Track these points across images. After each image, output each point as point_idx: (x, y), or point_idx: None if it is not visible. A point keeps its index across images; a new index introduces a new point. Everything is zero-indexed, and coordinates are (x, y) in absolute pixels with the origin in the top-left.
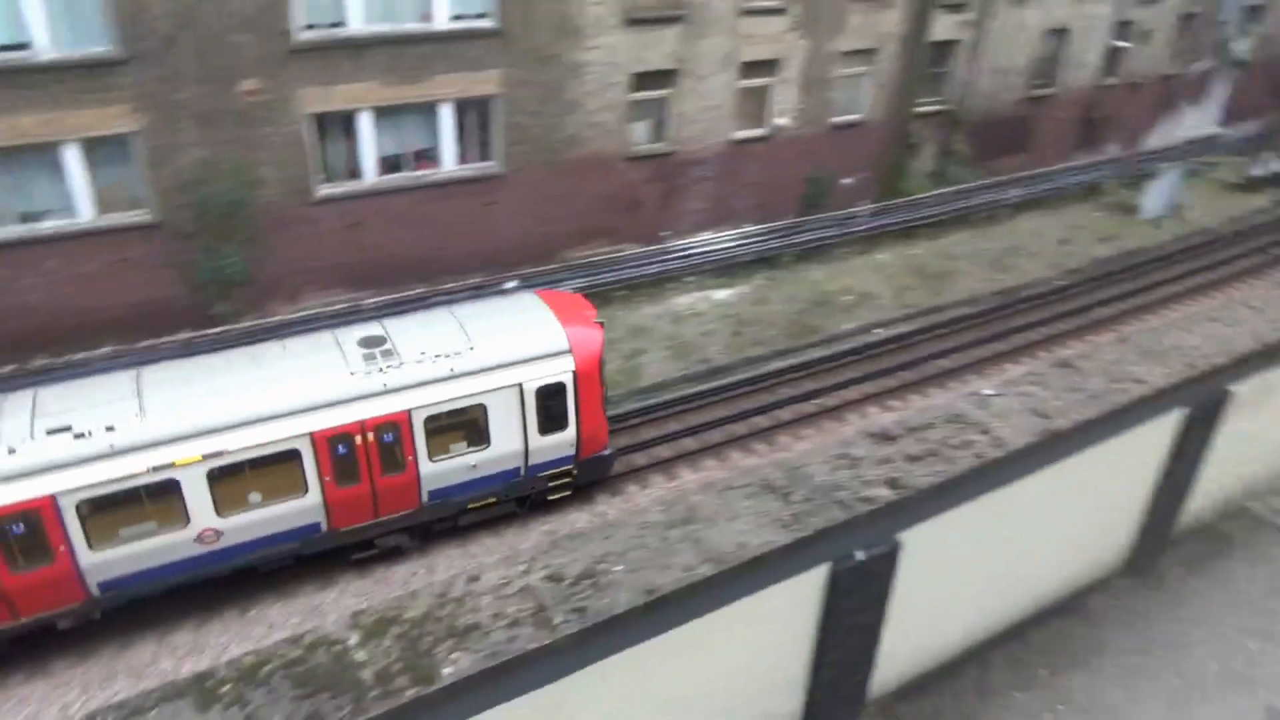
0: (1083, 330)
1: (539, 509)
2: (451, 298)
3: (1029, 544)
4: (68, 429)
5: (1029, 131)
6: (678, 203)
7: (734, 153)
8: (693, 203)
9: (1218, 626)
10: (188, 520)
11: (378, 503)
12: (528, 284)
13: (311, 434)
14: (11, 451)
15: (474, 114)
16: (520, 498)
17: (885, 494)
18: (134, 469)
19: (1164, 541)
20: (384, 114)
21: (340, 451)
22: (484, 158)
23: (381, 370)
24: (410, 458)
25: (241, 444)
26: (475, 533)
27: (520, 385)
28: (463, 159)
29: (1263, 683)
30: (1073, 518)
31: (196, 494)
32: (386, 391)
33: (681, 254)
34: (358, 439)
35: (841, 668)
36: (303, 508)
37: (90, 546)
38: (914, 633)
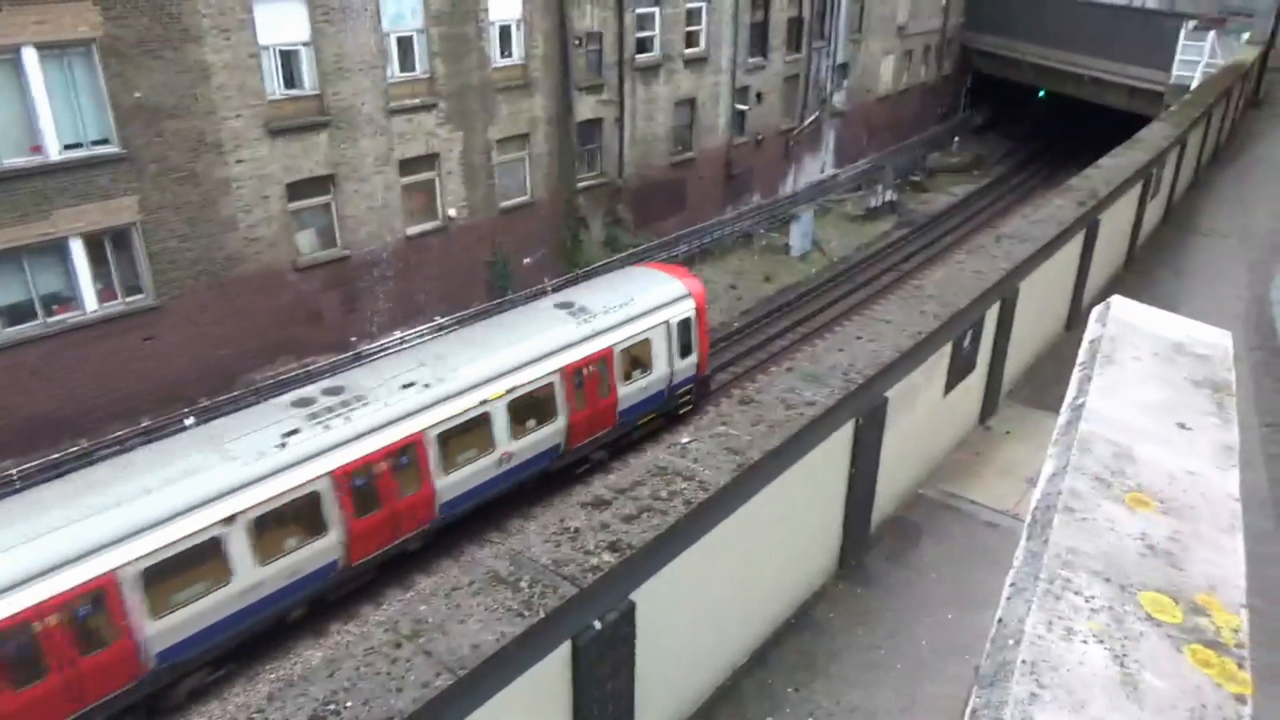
0: (765, 364)
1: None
2: (123, 447)
3: (751, 573)
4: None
5: (682, 193)
6: (361, 306)
7: (411, 248)
8: (377, 303)
9: (922, 607)
10: (494, 446)
11: (594, 424)
12: (207, 415)
13: (563, 369)
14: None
15: (113, 246)
16: (665, 413)
17: (610, 559)
18: (462, 406)
19: (865, 541)
20: None
21: (577, 383)
22: (132, 291)
23: (586, 321)
24: (613, 384)
25: (526, 379)
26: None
27: (667, 322)
28: (107, 296)
29: (967, 647)
30: (783, 538)
31: (501, 422)
32: (595, 335)
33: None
34: (586, 370)
35: None
36: (555, 430)
37: (444, 473)
38: (666, 686)
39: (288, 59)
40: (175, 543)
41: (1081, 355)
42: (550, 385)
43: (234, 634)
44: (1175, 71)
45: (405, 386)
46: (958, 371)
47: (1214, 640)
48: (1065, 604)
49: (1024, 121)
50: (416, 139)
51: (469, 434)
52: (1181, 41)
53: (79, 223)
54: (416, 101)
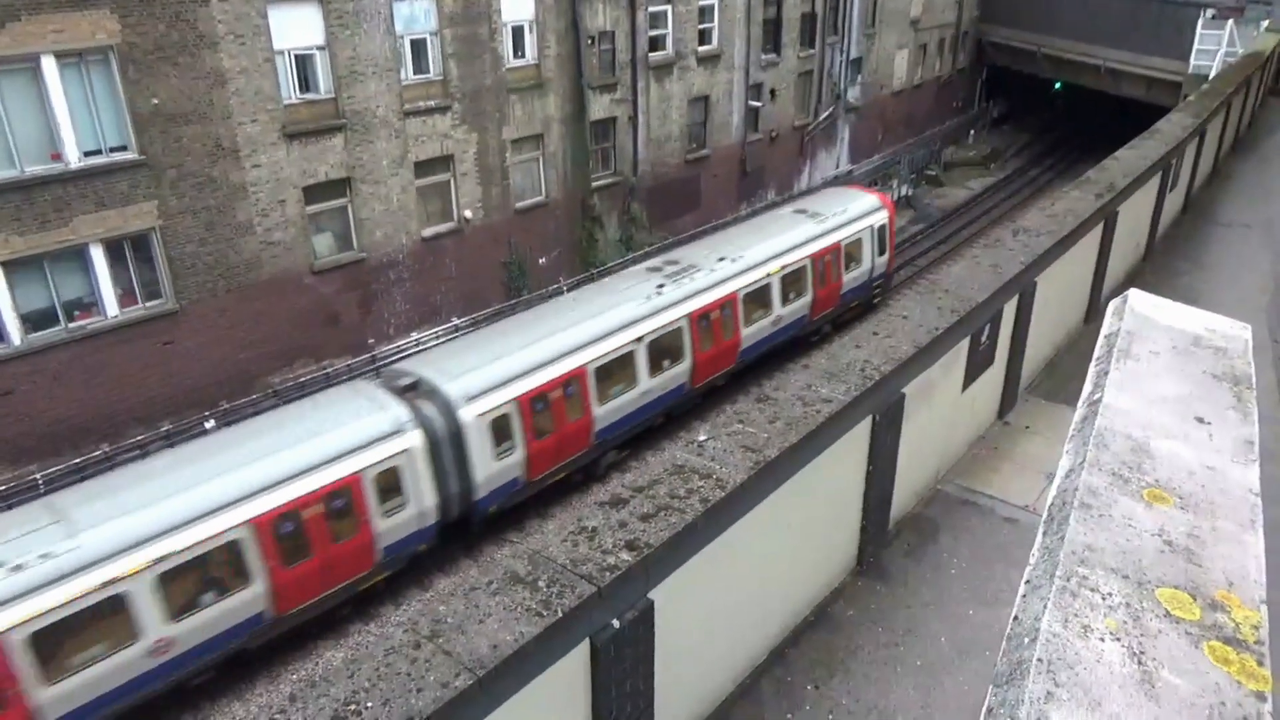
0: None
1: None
2: (142, 451)
3: (769, 570)
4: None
5: (697, 190)
6: (378, 308)
7: (427, 250)
8: (394, 305)
9: (941, 604)
10: (771, 309)
11: (826, 302)
12: (228, 418)
13: (811, 256)
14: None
15: (133, 251)
16: (864, 301)
17: (627, 558)
18: (754, 277)
19: (883, 539)
20: (19, 266)
21: (819, 269)
22: (152, 295)
23: (821, 223)
24: (841, 272)
25: (790, 260)
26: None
27: (871, 226)
28: (127, 301)
29: (987, 643)
30: (801, 536)
31: (776, 292)
32: (828, 233)
33: (390, 360)
34: (824, 259)
35: None
36: (804, 303)
37: (745, 326)
38: (685, 685)
39: (303, 63)
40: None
41: (1098, 349)
42: (804, 268)
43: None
44: (1193, 61)
45: (719, 260)
46: (976, 366)
47: (1233, 637)
48: (1082, 601)
49: (1041, 114)
50: (431, 141)
51: (759, 298)
52: (1199, 31)
53: (99, 229)
54: (431, 104)
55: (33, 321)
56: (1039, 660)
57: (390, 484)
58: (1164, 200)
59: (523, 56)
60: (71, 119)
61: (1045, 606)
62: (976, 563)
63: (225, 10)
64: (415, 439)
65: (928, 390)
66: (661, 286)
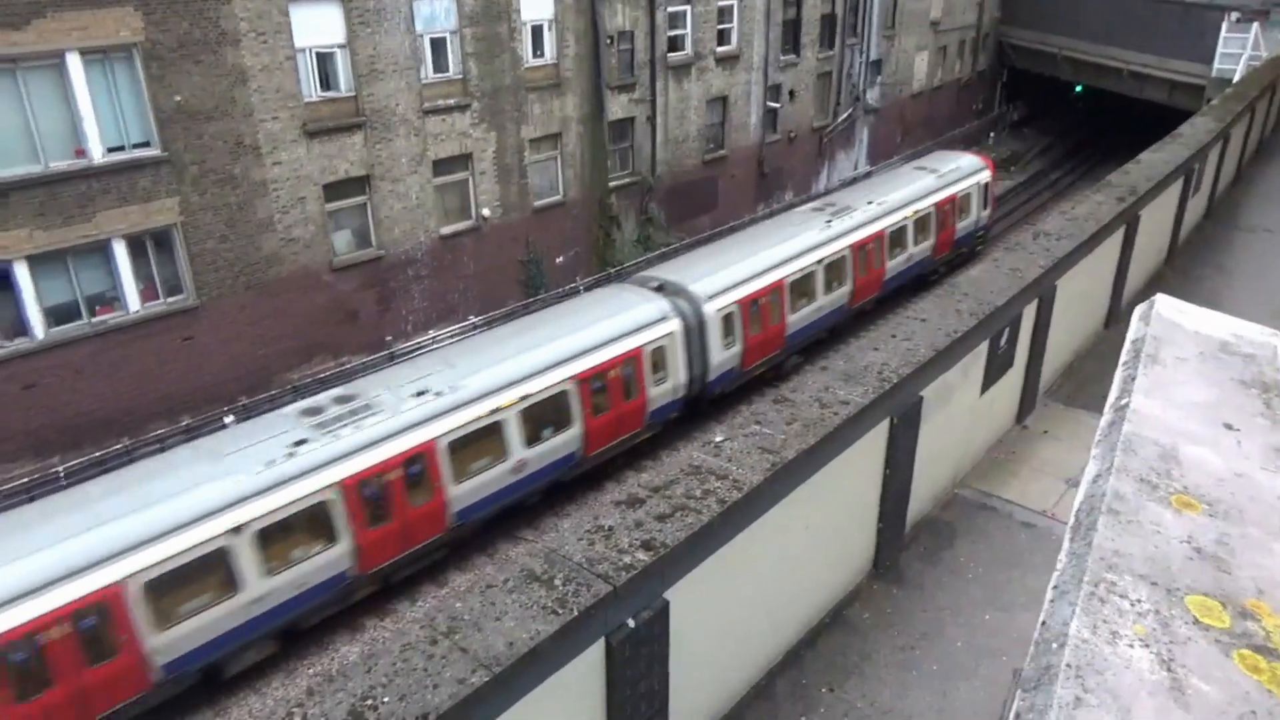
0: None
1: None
2: (163, 446)
3: (785, 572)
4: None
5: (714, 191)
6: (396, 305)
7: (445, 248)
8: (412, 303)
9: (958, 608)
10: (905, 247)
11: (942, 248)
12: (249, 414)
13: (936, 204)
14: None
15: (154, 247)
16: (970, 248)
17: (644, 558)
18: (890, 221)
19: (900, 542)
20: (44, 261)
21: (939, 219)
22: (173, 291)
23: (940, 178)
24: (955, 221)
25: (920, 207)
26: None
27: (977, 182)
28: (149, 296)
29: (1004, 649)
30: (817, 538)
31: (910, 234)
32: (945, 187)
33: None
34: (943, 209)
35: None
36: (928, 245)
37: (791, 312)
38: (700, 685)
39: (324, 61)
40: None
41: (1125, 354)
42: (929, 215)
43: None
44: (1217, 65)
45: (869, 203)
46: (995, 370)
47: (1264, 645)
48: (1110, 607)
49: (1061, 117)
50: (450, 139)
51: (898, 237)
52: (1224, 34)
53: (121, 224)
54: (450, 102)
55: (55, 316)
56: (1067, 665)
57: (659, 360)
58: (1186, 205)
59: (542, 56)
60: (95, 115)
61: (1074, 612)
62: (994, 567)
63: (247, 8)
64: (676, 325)
65: (946, 393)
66: (830, 221)
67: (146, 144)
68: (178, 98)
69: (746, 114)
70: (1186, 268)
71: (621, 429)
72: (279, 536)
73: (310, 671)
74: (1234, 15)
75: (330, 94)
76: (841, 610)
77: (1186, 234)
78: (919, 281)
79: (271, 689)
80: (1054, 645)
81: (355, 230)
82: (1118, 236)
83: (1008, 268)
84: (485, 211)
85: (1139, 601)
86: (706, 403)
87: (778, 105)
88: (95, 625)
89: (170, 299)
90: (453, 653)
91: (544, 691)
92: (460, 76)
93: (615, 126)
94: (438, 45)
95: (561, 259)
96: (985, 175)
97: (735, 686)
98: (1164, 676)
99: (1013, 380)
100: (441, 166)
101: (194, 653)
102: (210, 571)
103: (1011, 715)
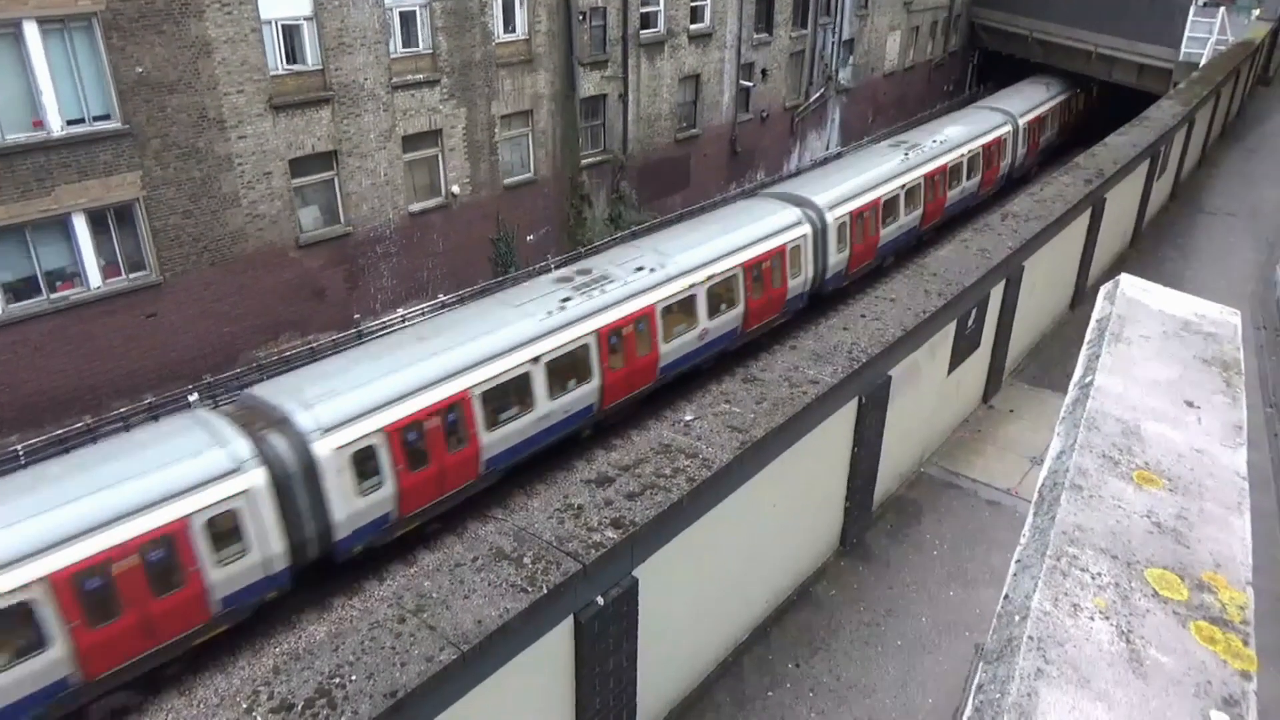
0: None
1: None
2: (126, 425)
3: (753, 549)
4: None
5: (686, 170)
6: (365, 283)
7: (414, 225)
8: (381, 280)
9: (922, 584)
10: (962, 182)
11: (990, 183)
12: (212, 391)
13: (928, 174)
14: None
15: (116, 222)
16: (1018, 178)
17: (613, 536)
18: (952, 156)
19: (867, 519)
20: (1, 235)
21: (995, 150)
22: (136, 267)
23: (1006, 114)
24: (999, 162)
25: (982, 143)
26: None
27: (1016, 124)
28: (111, 272)
29: (967, 624)
30: (786, 515)
31: (964, 171)
32: (989, 131)
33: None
34: (990, 148)
35: (605, 714)
36: (974, 183)
37: (949, 193)
38: (668, 662)
39: (290, 34)
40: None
41: (1090, 333)
42: (979, 155)
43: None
44: (1184, 49)
45: (934, 142)
46: (962, 350)
47: (1219, 617)
48: (1072, 580)
49: None
50: (419, 115)
51: (956, 173)
52: (1191, 18)
53: (81, 198)
54: (419, 77)
55: (14, 291)
56: (1029, 638)
57: (795, 257)
58: (1151, 187)
59: (513, 31)
60: (54, 86)
61: (1036, 585)
62: (958, 544)
63: None
64: (807, 229)
65: (913, 373)
66: (907, 154)
67: (107, 116)
68: (139, 69)
69: (719, 92)
70: (1151, 249)
71: (765, 313)
72: (557, 370)
73: (277, 650)
74: (1201, 0)
75: (297, 67)
76: (809, 587)
77: (1151, 216)
78: (967, 212)
79: (238, 667)
80: (1016, 618)
81: (323, 206)
82: (1084, 218)
83: (976, 248)
84: (455, 189)
85: (1100, 575)
86: (825, 297)
87: (750, 84)
88: (454, 421)
89: (133, 275)
90: (421, 631)
91: (512, 669)
92: (430, 51)
93: (587, 104)
94: (407, 19)
95: (532, 237)
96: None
97: (703, 663)
98: (1123, 648)
99: (980, 360)
100: (410, 143)
101: (507, 451)
102: (521, 388)
103: (974, 687)
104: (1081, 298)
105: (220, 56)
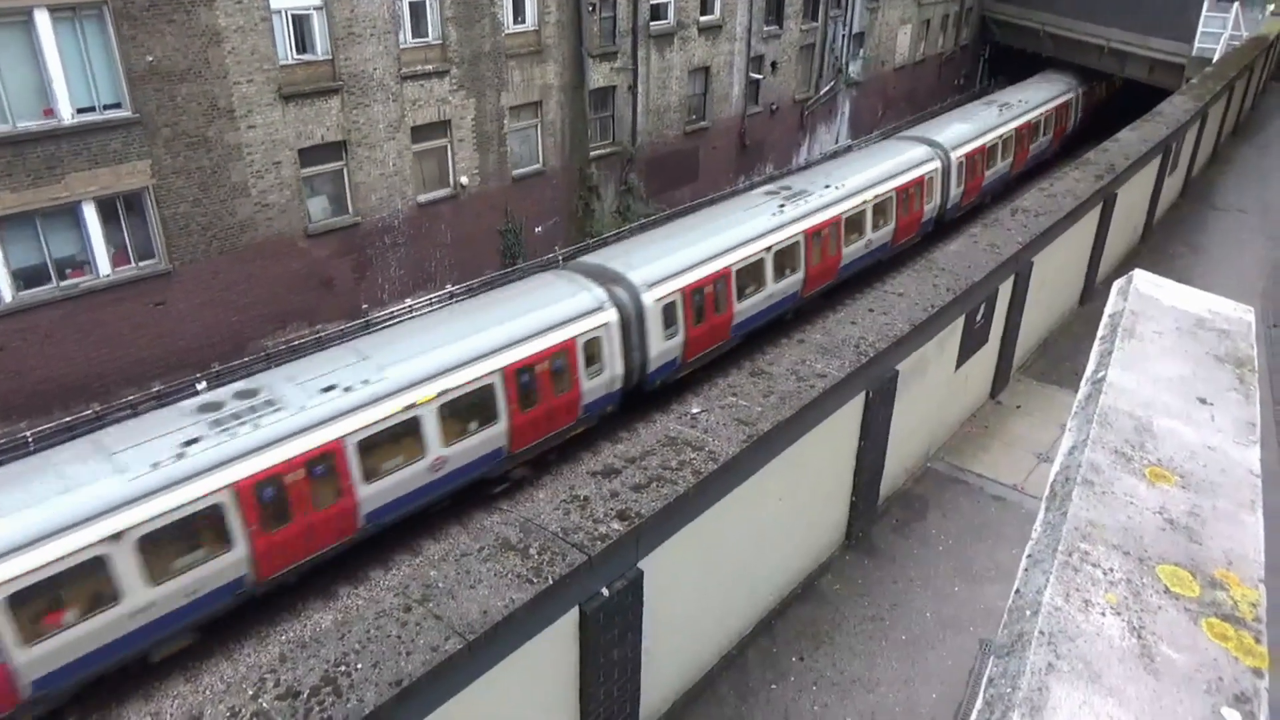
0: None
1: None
2: (135, 412)
3: (758, 543)
4: None
5: (695, 162)
6: (373, 273)
7: (423, 216)
8: (389, 270)
9: (928, 579)
10: (996, 164)
11: (1018, 165)
12: (220, 380)
13: (1017, 128)
14: None
15: (125, 210)
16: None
17: (618, 528)
18: (990, 138)
19: (872, 514)
20: (11, 222)
21: (1017, 139)
22: (145, 255)
23: (1022, 107)
24: (1028, 146)
25: (1004, 131)
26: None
27: (1070, 98)
28: (120, 260)
29: (970, 619)
30: (791, 509)
31: (999, 151)
32: (1026, 111)
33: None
34: (1023, 132)
35: (609, 704)
36: (1008, 164)
37: (990, 171)
38: (672, 654)
39: (300, 23)
40: None
41: (1102, 328)
42: (1041, 121)
43: None
44: (1197, 44)
45: (1019, 101)
46: (970, 346)
47: (1232, 614)
48: (1083, 576)
49: None
50: (428, 105)
51: (1034, 131)
52: (1204, 13)
53: (91, 186)
54: (429, 68)
55: (24, 279)
56: (1040, 633)
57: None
58: (1163, 183)
59: (523, 22)
60: (65, 75)
61: (1047, 580)
62: (964, 540)
63: None
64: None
65: (921, 368)
66: (1001, 110)
67: (117, 105)
68: (149, 58)
69: (729, 85)
70: (1162, 246)
71: (823, 278)
72: (778, 259)
73: (283, 638)
74: None
75: (306, 57)
76: (814, 581)
77: (1162, 212)
78: (1042, 165)
79: (244, 655)
80: (1027, 613)
81: (331, 196)
82: (1095, 214)
83: (985, 244)
84: (464, 179)
85: (1111, 571)
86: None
87: (760, 77)
88: (720, 291)
89: (142, 263)
90: (426, 620)
91: (517, 659)
92: (439, 42)
93: (596, 95)
94: (417, 9)
95: (540, 229)
96: (1071, 96)
97: (707, 655)
98: (1134, 644)
99: (987, 356)
100: (420, 133)
101: (749, 319)
102: (757, 270)
103: (984, 681)
104: (1091, 294)
105: (230, 46)
